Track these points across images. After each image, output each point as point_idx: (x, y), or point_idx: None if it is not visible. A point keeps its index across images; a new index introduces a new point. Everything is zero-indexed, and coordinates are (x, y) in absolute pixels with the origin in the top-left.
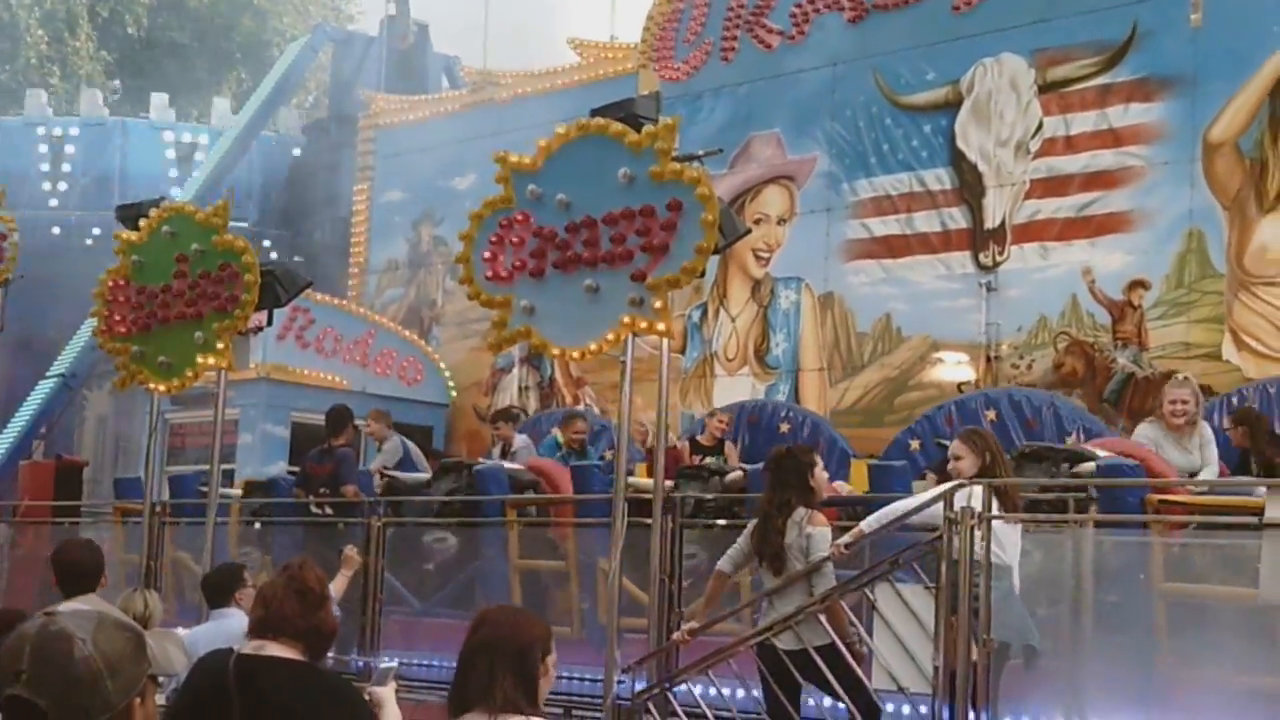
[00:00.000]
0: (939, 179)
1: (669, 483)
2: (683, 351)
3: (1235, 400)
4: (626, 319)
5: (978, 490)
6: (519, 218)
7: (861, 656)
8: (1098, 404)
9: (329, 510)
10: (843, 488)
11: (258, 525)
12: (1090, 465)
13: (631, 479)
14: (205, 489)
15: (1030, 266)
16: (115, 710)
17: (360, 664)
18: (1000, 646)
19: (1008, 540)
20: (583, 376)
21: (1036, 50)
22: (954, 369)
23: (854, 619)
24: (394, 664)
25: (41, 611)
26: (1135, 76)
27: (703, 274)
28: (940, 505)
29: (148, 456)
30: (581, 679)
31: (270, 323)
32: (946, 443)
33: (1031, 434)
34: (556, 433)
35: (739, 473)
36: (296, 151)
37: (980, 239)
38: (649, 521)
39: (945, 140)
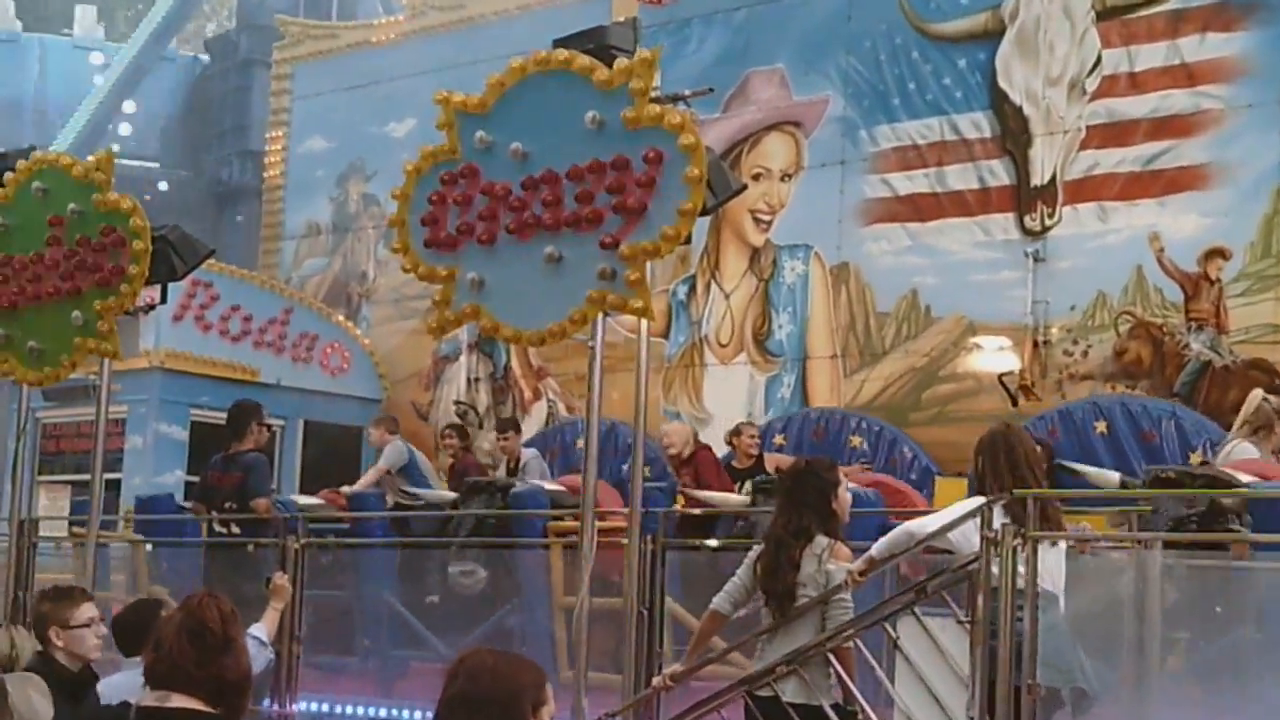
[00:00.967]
0: (976, 125)
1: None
2: (665, 335)
3: None
4: (596, 295)
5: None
6: (465, 172)
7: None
8: (1167, 399)
9: (236, 529)
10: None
11: (149, 548)
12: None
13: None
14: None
15: (1086, 232)
16: None
17: (272, 715)
18: (1047, 692)
19: (1052, 563)
20: (544, 366)
21: None
22: (994, 356)
23: (872, 661)
24: None
25: None
26: (1213, 0)
27: (689, 241)
28: (967, 528)
29: (15, 464)
30: None
31: (164, 300)
32: (1067, 464)
33: (1150, 450)
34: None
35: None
36: (199, 73)
37: (1026, 198)
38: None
39: (984, 78)
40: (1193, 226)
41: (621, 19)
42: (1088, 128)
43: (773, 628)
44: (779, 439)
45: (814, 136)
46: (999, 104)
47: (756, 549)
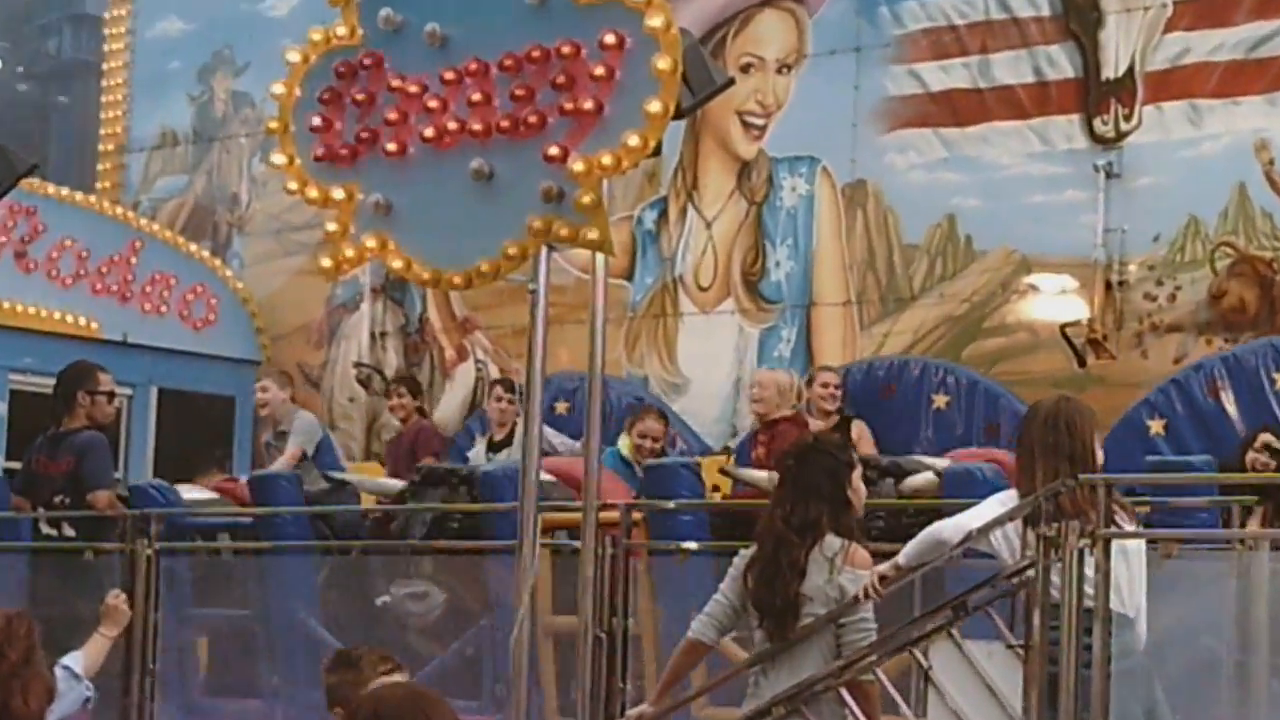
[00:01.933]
0: (1031, 1)
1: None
2: (629, 277)
3: None
4: (538, 223)
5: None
6: (366, 62)
7: None
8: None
9: (70, 531)
10: None
11: None
12: None
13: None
14: None
15: (1174, 139)
16: None
17: None
18: None
19: (1125, 574)
20: (471, 316)
21: None
22: (1054, 301)
23: (898, 697)
24: None
25: None
26: None
27: (658, 153)
28: (1013, 527)
29: None
30: None
31: None
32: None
33: None
34: (623, 441)
35: (925, 475)
36: None
37: (1096, 96)
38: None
39: None
40: None
41: None
42: (1175, 4)
43: (769, 655)
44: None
45: (820, 15)
46: None
47: (747, 553)
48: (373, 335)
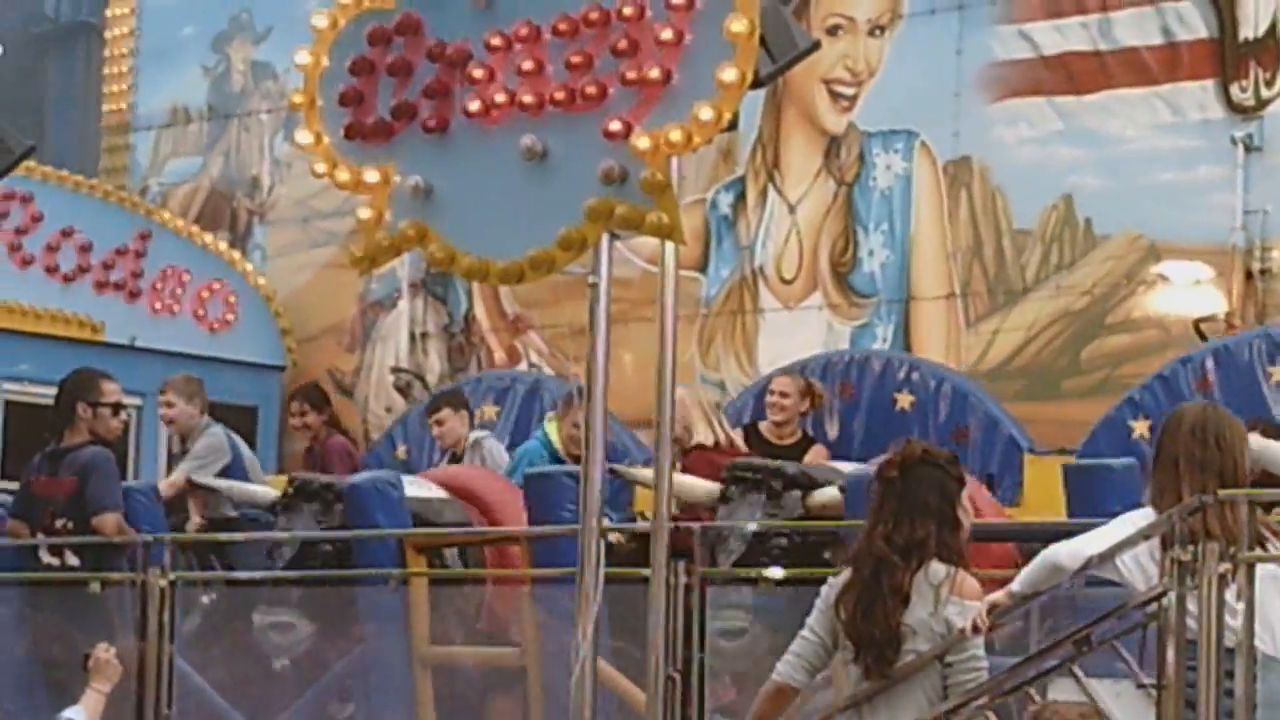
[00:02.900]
0: None
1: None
2: (702, 268)
3: None
4: (598, 207)
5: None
6: (403, 26)
7: None
8: None
9: (73, 560)
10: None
11: None
12: None
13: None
14: None
15: None
16: None
17: None
18: None
19: (1275, 607)
20: (523, 314)
21: None
22: (1187, 293)
23: None
24: None
25: None
26: None
27: (734, 127)
28: (1148, 548)
29: None
30: None
31: None
32: None
33: None
34: (549, 427)
35: (832, 490)
36: None
37: (1233, 59)
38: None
39: None
40: None
41: None
42: None
43: (865, 697)
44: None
45: None
46: None
47: (837, 581)
48: (412, 336)
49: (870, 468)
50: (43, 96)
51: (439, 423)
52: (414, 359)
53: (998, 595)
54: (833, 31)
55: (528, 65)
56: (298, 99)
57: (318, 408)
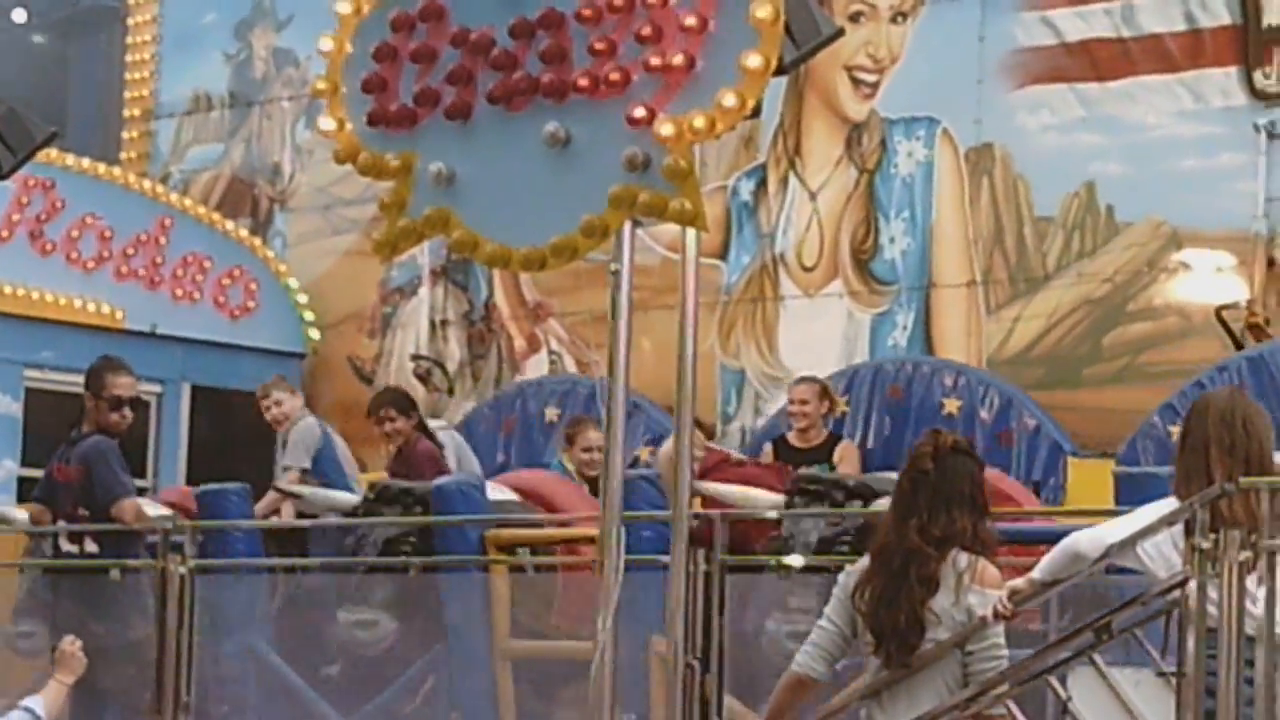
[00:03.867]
0: None
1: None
2: (723, 256)
3: None
4: (621, 194)
5: None
6: (427, 12)
7: None
8: None
9: (92, 547)
10: None
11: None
12: None
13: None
14: None
15: None
16: None
17: None
18: None
19: None
20: (544, 302)
21: None
22: (1210, 280)
23: None
24: None
25: None
26: None
27: (757, 114)
28: (1170, 536)
29: None
30: None
31: None
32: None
33: None
34: (562, 457)
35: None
36: None
37: (1257, 45)
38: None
39: None
40: None
41: None
42: None
43: (884, 685)
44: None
45: None
46: None
47: (855, 569)
48: (432, 324)
49: None
50: (64, 83)
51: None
52: (434, 346)
53: (1018, 582)
54: (855, 18)
55: (550, 50)
56: (320, 85)
57: (405, 413)
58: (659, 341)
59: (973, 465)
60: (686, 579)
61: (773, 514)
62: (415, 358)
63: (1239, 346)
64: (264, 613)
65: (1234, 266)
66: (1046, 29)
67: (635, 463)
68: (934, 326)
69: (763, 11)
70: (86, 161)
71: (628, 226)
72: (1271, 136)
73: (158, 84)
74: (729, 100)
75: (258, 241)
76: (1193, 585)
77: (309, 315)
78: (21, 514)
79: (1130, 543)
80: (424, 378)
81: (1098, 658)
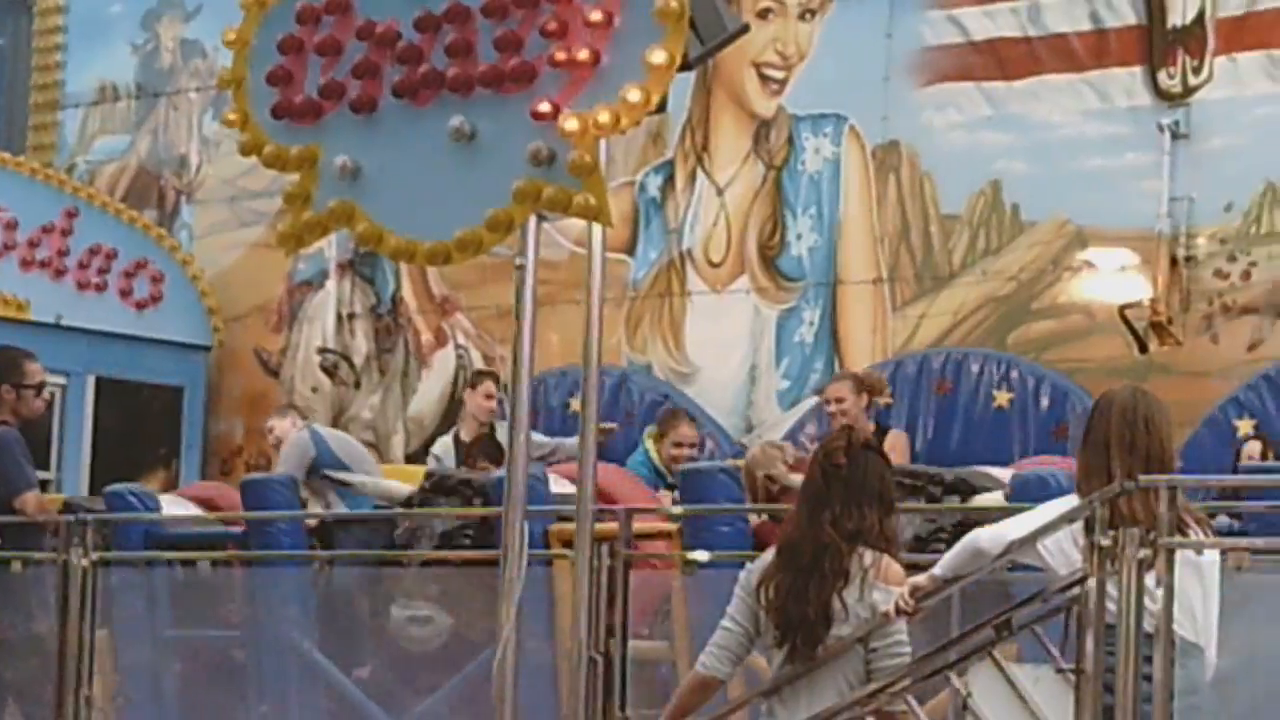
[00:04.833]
0: None
1: None
2: (630, 251)
3: None
4: (526, 188)
5: None
6: (332, 6)
7: None
8: None
9: None
10: None
11: None
12: None
13: None
14: None
15: (1249, 95)
16: None
17: None
18: None
19: (1194, 594)
20: (451, 296)
21: None
22: (1113, 280)
23: None
24: None
25: None
26: None
27: (663, 109)
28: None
29: None
30: None
31: None
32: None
33: None
34: (648, 443)
35: (994, 495)
36: None
37: (1161, 45)
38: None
39: None
40: None
41: None
42: None
43: (786, 681)
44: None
45: None
46: None
47: (755, 567)
48: (339, 317)
49: (1040, 471)
50: None
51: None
52: (341, 339)
53: (920, 579)
54: (763, 15)
55: (456, 44)
56: (226, 77)
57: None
58: (566, 336)
59: (883, 464)
60: (591, 574)
61: (694, 555)
62: (322, 351)
63: (1142, 345)
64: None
65: (1138, 265)
66: (953, 27)
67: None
68: (840, 323)
69: (667, 7)
70: None
71: (533, 221)
72: (1175, 136)
73: (64, 74)
74: (634, 95)
75: (164, 233)
76: (1092, 582)
77: (215, 307)
78: None
79: (1031, 539)
80: (330, 371)
81: (998, 654)
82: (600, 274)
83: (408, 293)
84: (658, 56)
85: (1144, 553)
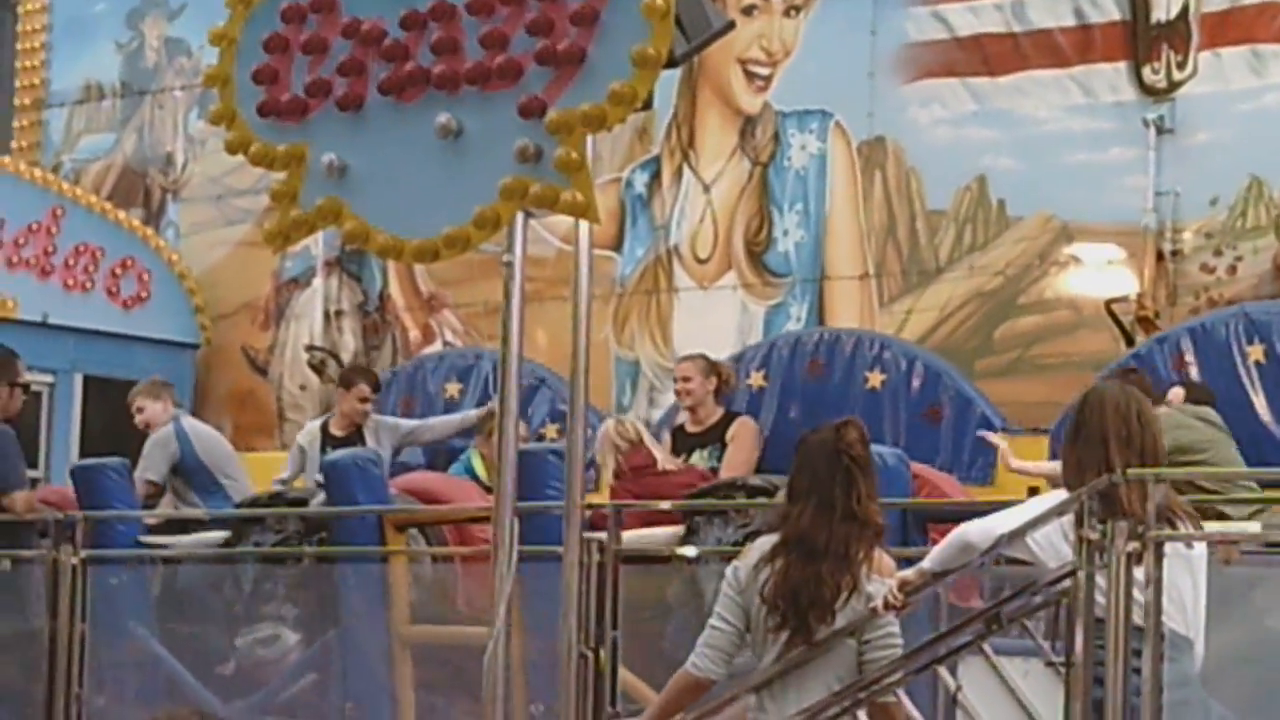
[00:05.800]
0: None
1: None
2: (617, 247)
3: None
4: (513, 185)
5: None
6: (318, 3)
7: None
8: None
9: None
10: None
11: None
12: None
13: None
14: None
15: (1233, 89)
16: None
17: None
18: None
19: (1184, 587)
20: (439, 293)
21: None
22: (1099, 275)
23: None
24: None
25: None
26: None
27: (649, 106)
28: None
29: None
30: None
31: None
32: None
33: None
34: (473, 452)
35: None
36: None
37: (1146, 41)
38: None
39: None
40: None
41: None
42: None
43: (776, 675)
44: (756, 377)
45: None
46: None
47: (743, 562)
48: (327, 315)
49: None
50: None
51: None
52: (328, 337)
53: (908, 573)
54: (748, 11)
55: (442, 41)
56: (211, 75)
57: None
58: (554, 333)
59: (868, 455)
60: (581, 569)
61: (682, 550)
62: (310, 348)
63: (1129, 340)
64: (149, 603)
65: (1124, 260)
66: (938, 23)
67: (540, 439)
68: (827, 319)
69: (653, 4)
70: None
71: (520, 218)
72: (1160, 131)
73: (49, 73)
74: (621, 91)
75: (150, 231)
76: (1081, 575)
77: (202, 306)
78: None
79: (1020, 533)
80: (318, 369)
81: (987, 647)
82: (587, 270)
83: (395, 290)
84: (644, 53)
85: (1133, 545)
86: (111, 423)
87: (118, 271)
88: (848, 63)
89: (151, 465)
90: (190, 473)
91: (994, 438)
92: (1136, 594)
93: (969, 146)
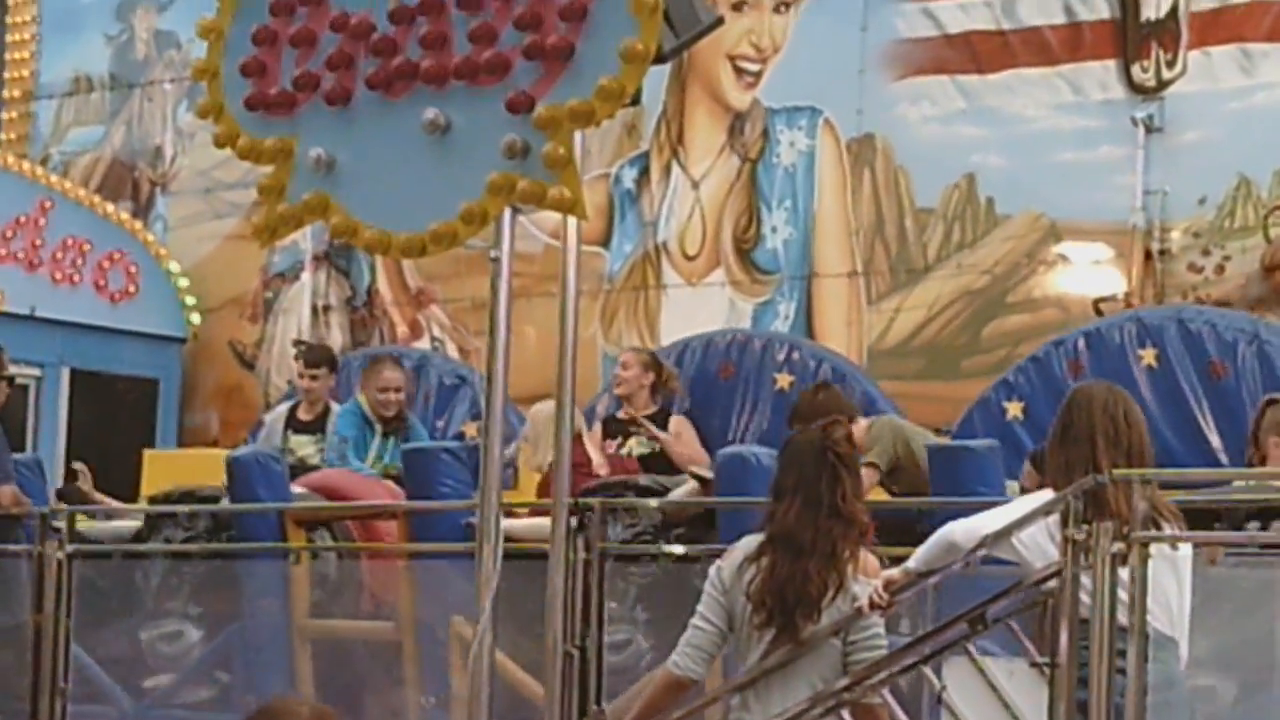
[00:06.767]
0: None
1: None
2: (605, 243)
3: None
4: (501, 181)
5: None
6: None
7: None
8: None
9: None
10: None
11: None
12: None
13: None
14: None
15: (1222, 88)
16: None
17: None
18: None
19: (1168, 588)
20: (426, 288)
21: None
22: (1087, 273)
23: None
24: None
25: None
26: None
27: (637, 102)
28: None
29: None
30: None
31: None
32: None
33: (1218, 387)
34: (359, 395)
35: (690, 484)
36: None
37: (1135, 39)
38: (546, 547)
39: None
40: None
41: None
42: None
43: (760, 675)
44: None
45: None
46: None
47: (726, 561)
48: (315, 309)
49: (741, 450)
50: None
51: (314, 376)
52: (316, 332)
53: (893, 572)
54: (738, 7)
55: (430, 35)
56: (200, 68)
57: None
58: (542, 329)
59: (853, 456)
60: (566, 566)
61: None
62: (297, 343)
63: None
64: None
65: (1112, 259)
66: (928, 20)
67: (461, 437)
68: (815, 316)
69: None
70: None
71: (507, 214)
72: (1149, 130)
73: (38, 65)
74: (610, 87)
75: (139, 225)
76: (1066, 576)
77: (190, 299)
78: None
79: (1005, 533)
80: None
81: (973, 647)
82: (575, 266)
83: (383, 285)
84: (632, 49)
85: (1118, 546)
86: (98, 416)
87: (105, 265)
88: (837, 59)
89: None
90: None
91: None
92: (1121, 594)
93: (958, 144)
